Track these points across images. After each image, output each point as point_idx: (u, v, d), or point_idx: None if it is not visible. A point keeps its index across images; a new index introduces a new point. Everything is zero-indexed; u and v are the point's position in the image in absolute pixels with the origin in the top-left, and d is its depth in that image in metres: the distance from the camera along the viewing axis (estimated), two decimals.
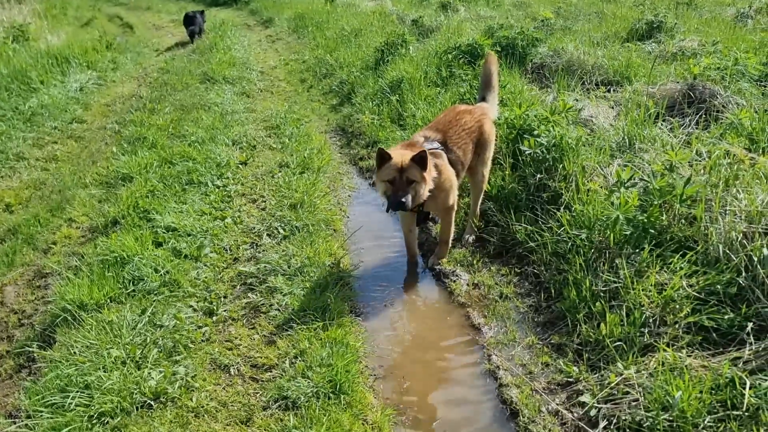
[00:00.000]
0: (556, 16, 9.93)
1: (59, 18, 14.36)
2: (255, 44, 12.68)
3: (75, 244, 4.60)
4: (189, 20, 12.73)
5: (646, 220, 3.33)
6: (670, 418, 2.43)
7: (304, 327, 3.41)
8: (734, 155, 3.59)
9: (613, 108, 5.38)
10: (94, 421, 2.73)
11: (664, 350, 2.75)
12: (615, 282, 3.23)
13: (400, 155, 3.62)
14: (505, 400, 2.93)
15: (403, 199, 3.55)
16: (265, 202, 5.09)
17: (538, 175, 4.28)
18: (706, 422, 2.38)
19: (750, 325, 2.71)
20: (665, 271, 3.16)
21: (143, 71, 10.82)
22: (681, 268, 3.09)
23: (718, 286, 2.94)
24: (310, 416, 2.77)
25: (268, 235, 4.50)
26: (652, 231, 3.32)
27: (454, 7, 11.54)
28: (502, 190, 4.50)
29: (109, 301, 3.64)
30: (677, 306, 2.94)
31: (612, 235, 3.38)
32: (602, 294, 3.24)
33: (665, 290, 3.01)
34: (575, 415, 2.73)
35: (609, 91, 5.94)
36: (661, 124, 4.61)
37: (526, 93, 5.85)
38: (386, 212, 4.22)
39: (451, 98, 6.14)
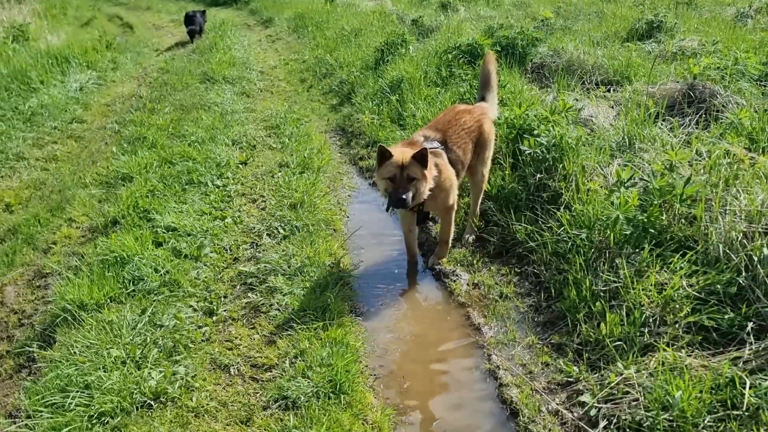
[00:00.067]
0: (556, 15, 9.92)
1: (59, 18, 14.36)
2: (255, 44, 12.68)
3: (75, 244, 4.60)
4: (189, 20, 12.73)
5: (646, 220, 3.33)
6: (670, 418, 2.43)
7: (304, 327, 3.41)
8: (734, 155, 3.59)
9: (613, 108, 5.37)
10: (94, 421, 2.73)
11: (664, 350, 2.75)
12: (615, 282, 3.23)
13: (401, 153, 3.62)
14: (505, 400, 2.93)
15: (404, 196, 3.55)
16: (265, 201, 5.09)
17: (538, 175, 4.27)
18: (706, 422, 2.38)
19: (750, 324, 2.71)
20: (665, 271, 3.16)
21: (143, 71, 10.82)
22: (681, 268, 3.09)
23: (718, 286, 2.93)
24: (310, 416, 2.77)
25: (268, 234, 4.50)
26: (652, 231, 3.32)
27: (454, 7, 11.54)
28: (502, 190, 4.50)
29: (109, 301, 3.64)
30: (677, 306, 2.94)
31: (612, 234, 3.38)
32: (602, 294, 3.24)
33: (665, 290, 3.01)
34: (575, 414, 2.73)
35: (609, 90, 5.94)
36: (661, 124, 4.60)
37: (526, 93, 5.85)
38: (386, 212, 4.22)
39: (451, 98, 6.14)
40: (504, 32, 7.44)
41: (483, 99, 4.65)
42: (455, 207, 4.11)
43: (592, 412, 2.67)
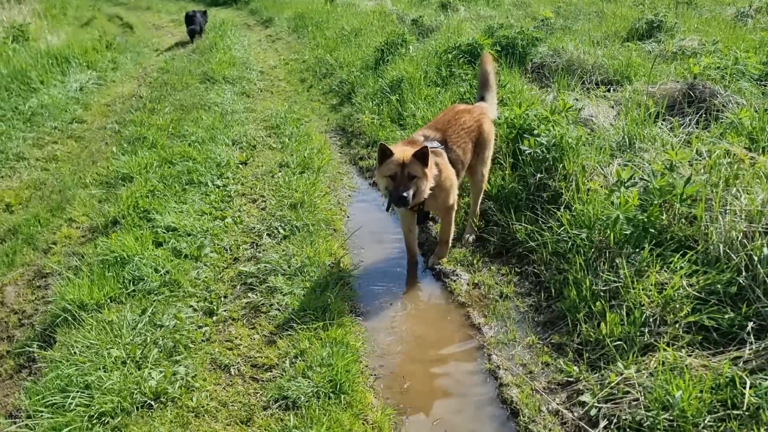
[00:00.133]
0: (556, 15, 9.92)
1: (59, 18, 14.36)
2: (255, 44, 12.68)
3: (75, 244, 4.60)
4: (189, 20, 12.74)
5: (646, 220, 3.33)
6: (671, 418, 2.43)
7: (305, 327, 3.41)
8: (734, 155, 3.59)
9: (613, 107, 5.37)
10: (95, 421, 2.74)
11: (665, 350, 2.75)
12: (615, 281, 3.23)
13: (402, 151, 3.62)
14: (505, 400, 2.93)
15: (405, 194, 3.55)
16: (265, 201, 5.09)
17: (538, 175, 4.27)
18: (706, 422, 2.38)
19: (750, 324, 2.71)
20: (665, 271, 3.16)
21: (143, 71, 10.82)
22: (681, 268, 3.09)
23: (719, 286, 2.93)
24: (310, 416, 2.77)
25: (268, 234, 4.50)
26: (652, 230, 3.32)
27: (454, 7, 11.54)
28: (502, 190, 4.50)
29: (109, 301, 3.64)
30: (677, 305, 2.94)
31: (612, 234, 3.38)
32: (602, 293, 3.24)
33: (665, 290, 3.01)
34: (575, 414, 2.73)
35: (609, 90, 5.93)
36: (661, 124, 4.60)
37: (526, 92, 5.85)
38: (386, 211, 4.23)
39: (451, 98, 6.14)
40: (504, 32, 7.44)
41: (482, 99, 4.65)
42: (455, 207, 4.11)
43: (593, 412, 2.67)
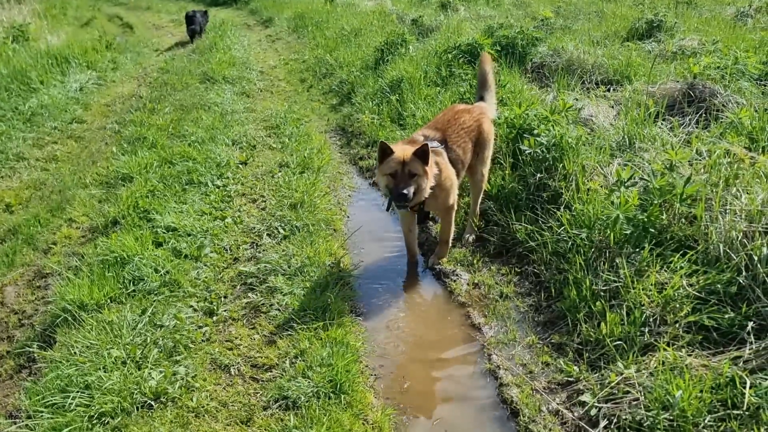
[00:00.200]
0: (555, 15, 9.92)
1: (59, 18, 14.35)
2: (255, 44, 12.67)
3: (75, 244, 4.60)
4: (189, 19, 12.74)
5: (646, 220, 3.33)
6: (671, 418, 2.43)
7: (305, 327, 3.41)
8: (734, 154, 3.59)
9: (613, 107, 5.37)
10: (95, 422, 2.74)
11: (665, 349, 2.75)
12: (615, 281, 3.23)
13: (402, 149, 3.63)
14: (505, 400, 2.93)
15: (405, 191, 3.54)
16: (265, 201, 5.09)
17: (538, 175, 4.27)
18: (706, 421, 2.38)
19: (750, 324, 2.71)
20: (665, 271, 3.16)
21: (143, 71, 10.82)
22: (681, 268, 3.09)
23: (719, 286, 2.93)
24: (310, 416, 2.77)
25: (268, 235, 4.50)
26: (652, 230, 3.32)
27: (454, 7, 11.53)
28: (502, 190, 4.50)
29: (109, 301, 3.64)
30: (677, 305, 2.94)
31: (612, 234, 3.38)
32: (602, 293, 3.24)
33: (665, 289, 3.01)
34: (575, 414, 2.73)
35: (609, 90, 5.93)
36: (661, 124, 4.60)
37: (526, 92, 5.85)
38: (386, 211, 4.23)
39: (451, 98, 6.14)
40: (504, 32, 7.44)
41: (482, 99, 4.65)
42: (455, 206, 4.11)
43: (593, 412, 2.67)
